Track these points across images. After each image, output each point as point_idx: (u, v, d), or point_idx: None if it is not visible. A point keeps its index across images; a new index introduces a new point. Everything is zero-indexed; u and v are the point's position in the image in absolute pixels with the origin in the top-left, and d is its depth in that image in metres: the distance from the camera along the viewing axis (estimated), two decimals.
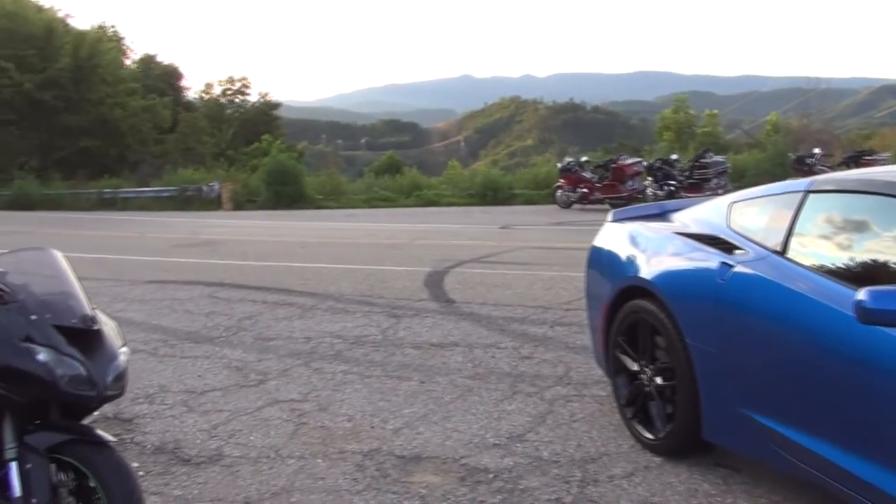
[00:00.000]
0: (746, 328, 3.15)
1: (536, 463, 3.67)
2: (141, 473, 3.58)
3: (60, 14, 39.01)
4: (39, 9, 37.80)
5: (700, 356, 3.35)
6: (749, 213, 3.51)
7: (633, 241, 4.07)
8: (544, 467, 3.61)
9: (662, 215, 4.32)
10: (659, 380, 3.69)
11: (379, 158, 50.60)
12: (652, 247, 3.89)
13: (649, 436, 3.72)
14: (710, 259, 3.40)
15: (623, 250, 4.11)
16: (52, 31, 36.11)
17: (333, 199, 25.22)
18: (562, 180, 20.27)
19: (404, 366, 5.38)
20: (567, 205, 19.92)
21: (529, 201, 22.66)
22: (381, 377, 5.12)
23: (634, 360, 3.88)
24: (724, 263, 3.30)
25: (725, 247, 3.42)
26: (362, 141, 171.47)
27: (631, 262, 3.98)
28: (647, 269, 3.78)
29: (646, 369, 3.79)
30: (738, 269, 3.21)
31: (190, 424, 4.33)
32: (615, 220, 4.43)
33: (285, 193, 24.49)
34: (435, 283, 8.60)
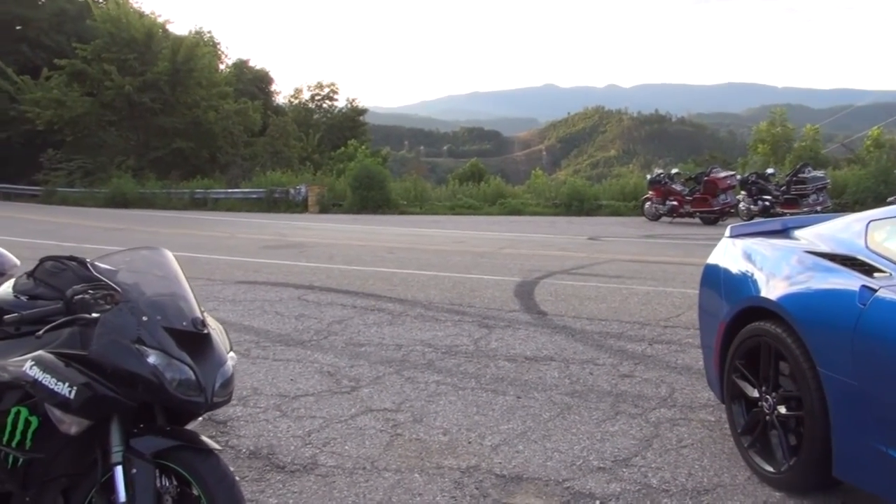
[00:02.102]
0: (889, 358, 2.87)
1: (645, 491, 3.45)
2: (238, 480, 3.51)
3: (160, 20, 40.40)
4: (141, 14, 39.17)
5: (833, 386, 3.08)
6: (893, 233, 3.22)
7: (755, 258, 3.81)
8: (654, 496, 3.40)
9: (785, 232, 4.04)
10: (782, 409, 3.42)
11: (461, 166, 50.69)
12: (777, 265, 3.63)
13: (769, 468, 3.46)
14: (848, 281, 3.12)
15: (743, 268, 3.85)
16: (152, 36, 37.40)
17: (417, 204, 25.28)
18: (651, 192, 19.81)
19: (499, 379, 5.21)
20: (655, 217, 19.46)
21: (615, 213, 22.23)
22: (476, 390, 4.97)
23: (754, 386, 3.62)
24: (865, 287, 3.02)
25: (865, 268, 3.14)
26: (444, 148, 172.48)
27: (752, 281, 3.72)
28: (772, 290, 3.52)
29: (767, 397, 3.52)
30: (882, 293, 2.93)
31: (284, 430, 4.27)
32: (733, 236, 4.16)
33: (370, 198, 24.67)
34: (525, 293, 8.41)
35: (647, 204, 19.81)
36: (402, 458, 3.86)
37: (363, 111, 52.02)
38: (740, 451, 3.71)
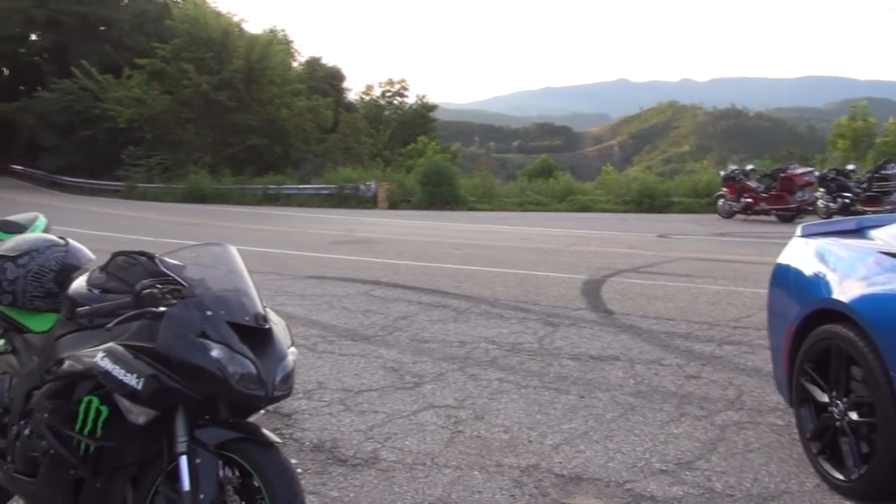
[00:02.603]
0: None
1: (708, 495, 3.39)
2: (299, 471, 3.57)
3: (236, 19, 41.31)
4: (218, 14, 40.11)
5: None
6: None
7: (827, 259, 3.69)
8: (718, 501, 3.33)
9: (859, 231, 3.91)
10: (853, 415, 3.31)
11: (531, 162, 50.45)
12: (851, 267, 3.51)
13: (839, 476, 3.36)
14: None
15: (815, 269, 3.74)
16: (228, 35, 38.25)
17: (486, 201, 25.26)
18: (725, 189, 19.35)
19: (562, 378, 5.18)
20: (729, 215, 19.01)
21: (688, 210, 21.79)
22: (539, 388, 4.95)
23: (824, 390, 3.52)
24: None
25: None
26: (514, 144, 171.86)
27: (824, 282, 3.61)
28: (845, 292, 3.41)
29: (837, 402, 3.42)
30: None
31: (347, 424, 4.33)
32: (805, 235, 4.05)
33: (439, 194, 24.76)
34: (592, 291, 8.33)
35: (721, 201, 19.35)
36: (462, 454, 3.87)
37: (433, 107, 52.18)
38: (809, 458, 3.61)
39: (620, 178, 29.26)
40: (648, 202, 22.61)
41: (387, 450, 3.94)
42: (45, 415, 2.51)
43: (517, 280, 9.14)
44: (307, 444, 4.04)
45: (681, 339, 6.16)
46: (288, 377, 2.42)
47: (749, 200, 18.53)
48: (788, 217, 17.58)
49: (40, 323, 2.87)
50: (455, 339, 6.28)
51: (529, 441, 4.05)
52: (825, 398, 3.51)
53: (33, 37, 50.55)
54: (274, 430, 3.43)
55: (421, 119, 49.46)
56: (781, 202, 17.78)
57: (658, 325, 6.68)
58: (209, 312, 2.32)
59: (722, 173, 20.57)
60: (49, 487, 2.59)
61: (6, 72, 55.66)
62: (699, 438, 4.04)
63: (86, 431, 2.42)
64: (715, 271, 9.62)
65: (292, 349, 2.51)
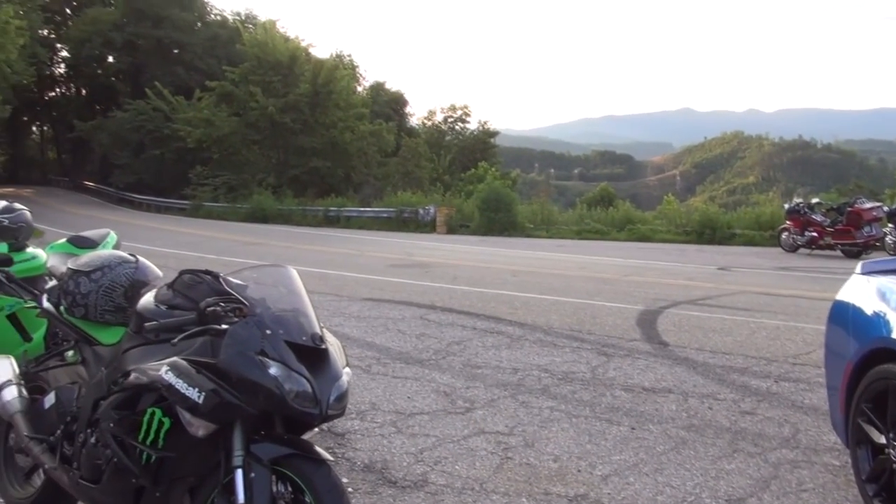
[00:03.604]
0: None
1: None
2: (350, 490, 3.64)
3: (303, 44, 42.23)
4: (286, 39, 41.10)
5: None
6: None
7: (888, 297, 3.62)
8: None
9: None
10: None
11: (591, 190, 50.11)
12: None
13: None
14: None
15: (875, 307, 3.68)
16: (296, 59, 39.16)
17: (544, 228, 25.22)
18: (789, 222, 18.96)
19: (614, 409, 5.16)
20: (793, 248, 18.60)
21: (750, 242, 21.38)
22: (590, 418, 4.94)
23: (881, 431, 3.45)
24: None
25: None
26: (575, 171, 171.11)
27: (884, 321, 3.54)
28: None
29: (895, 443, 3.35)
30: None
31: (398, 446, 4.39)
32: (865, 273, 3.98)
33: (497, 220, 24.81)
34: (648, 322, 8.27)
35: (785, 234, 18.96)
36: (510, 481, 3.89)
37: (494, 133, 52.36)
38: (864, 500, 3.54)
39: (681, 208, 28.89)
40: (709, 233, 22.27)
41: (436, 473, 3.98)
42: (111, 424, 2.63)
43: (572, 308, 9.12)
44: (359, 463, 4.11)
45: (737, 374, 6.08)
46: (342, 397, 2.48)
47: (814, 234, 18.12)
48: (855, 253, 17.13)
49: (109, 336, 3.00)
50: (508, 365, 6.31)
51: (579, 471, 4.05)
52: (882, 439, 3.43)
53: (111, 59, 52.45)
54: (327, 449, 3.51)
55: (482, 145, 49.67)
56: (848, 237, 17.33)
57: (714, 358, 6.60)
58: (268, 331, 2.40)
59: (786, 206, 20.17)
60: (111, 494, 2.69)
61: (84, 92, 57.89)
62: (752, 475, 3.99)
63: (148, 442, 2.52)
64: (775, 306, 9.44)
65: (347, 369, 2.57)
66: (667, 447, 4.41)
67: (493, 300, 9.71)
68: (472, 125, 51.36)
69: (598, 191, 43.42)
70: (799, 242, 18.50)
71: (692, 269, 14.29)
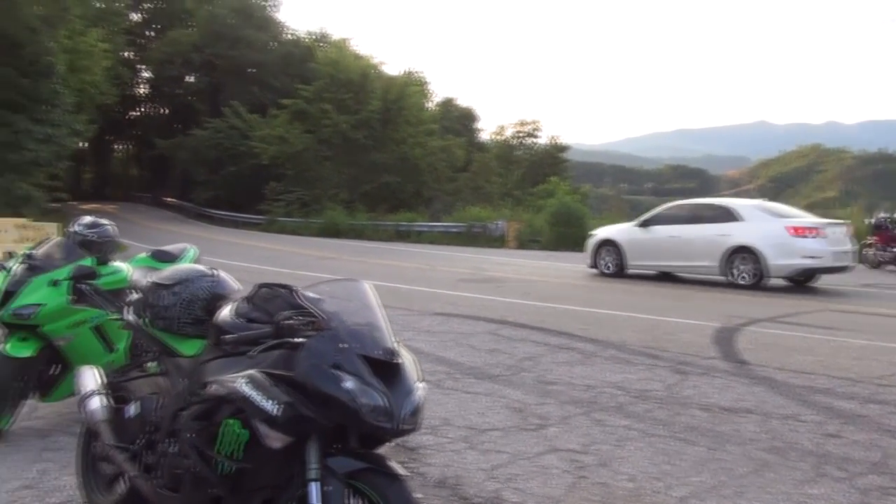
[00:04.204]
0: None
1: None
2: None
3: (375, 61, 42.90)
4: (357, 57, 41.80)
5: None
6: None
7: None
8: None
9: None
10: None
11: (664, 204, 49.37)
12: None
13: None
14: None
15: None
16: (367, 76, 39.80)
17: None
18: (873, 238, 18.32)
19: (691, 428, 5.02)
20: (877, 265, 17.96)
21: None
22: (666, 438, 4.82)
23: None
24: None
25: None
26: (647, 186, 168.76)
27: None
28: None
29: None
30: None
31: (470, 461, 4.35)
32: None
33: (568, 235, 24.63)
34: (725, 340, 8.05)
35: (869, 250, 18.33)
36: (584, 500, 3.82)
37: (565, 148, 52.14)
38: None
39: None
40: None
41: (509, 490, 3.93)
42: (191, 435, 2.67)
43: (647, 325, 8.95)
44: (431, 479, 4.09)
45: (820, 395, 5.85)
46: (416, 411, 2.47)
47: None
48: None
49: (189, 348, 3.06)
50: (581, 382, 6.21)
51: (655, 492, 3.95)
52: None
53: (190, 79, 54.20)
54: (400, 463, 3.49)
55: (552, 159, 49.48)
56: None
57: (796, 378, 6.37)
58: (343, 345, 2.41)
59: (870, 221, 19.49)
60: (190, 503, 2.74)
61: (165, 111, 59.93)
62: (838, 501, 3.82)
63: (226, 453, 2.55)
64: (859, 324, 9.09)
65: (421, 384, 2.56)
66: (747, 469, 4.26)
67: (565, 316, 9.61)
68: (542, 140, 51.26)
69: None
70: (883, 258, 17.89)
71: (771, 284, 13.88)
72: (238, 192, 42.40)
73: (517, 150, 50.63)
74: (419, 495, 3.75)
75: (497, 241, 26.27)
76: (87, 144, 49.95)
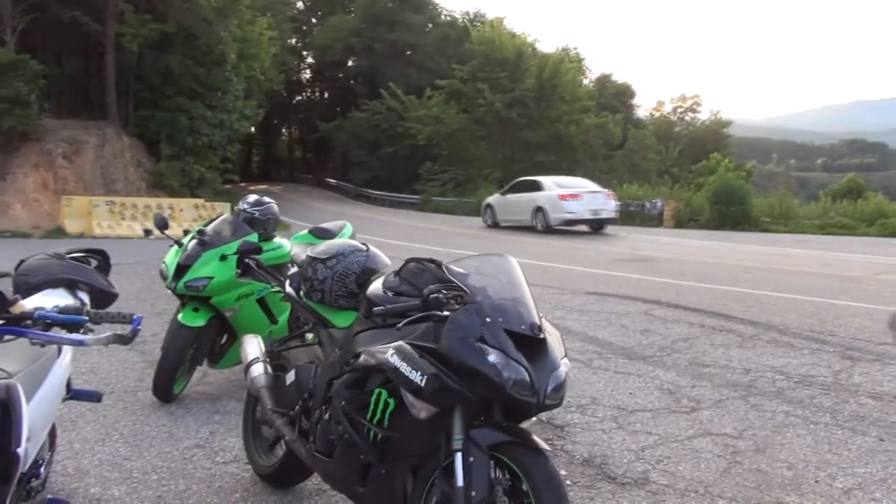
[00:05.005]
0: None
1: None
2: (567, 482, 3.62)
3: (530, 39, 42.60)
4: (512, 35, 41.67)
5: None
6: None
7: None
8: None
9: None
10: None
11: (837, 181, 46.30)
12: None
13: None
14: None
15: None
16: (522, 54, 39.62)
17: (782, 222, 23.65)
18: None
19: (859, 417, 4.73)
20: None
21: None
22: (830, 426, 4.56)
23: None
24: None
25: None
26: (818, 162, 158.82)
27: None
28: None
29: None
30: None
31: (618, 442, 4.30)
32: None
33: (730, 214, 23.62)
34: None
35: None
36: (738, 486, 3.68)
37: (727, 123, 49.98)
38: None
39: None
40: None
41: (658, 472, 3.86)
42: (342, 402, 2.79)
43: (813, 308, 8.46)
44: (577, 457, 4.08)
45: None
46: (560, 387, 2.46)
47: None
48: None
49: (342, 319, 3.19)
50: (738, 365, 5.98)
51: (816, 481, 3.75)
52: None
53: (350, 62, 55.99)
54: (545, 440, 3.50)
55: (714, 135, 47.58)
56: None
57: None
58: (488, 319, 2.43)
59: None
60: (342, 468, 2.86)
61: (326, 94, 62.29)
62: None
63: (375, 420, 2.64)
64: None
65: (565, 360, 2.55)
66: None
67: (723, 297, 9.24)
68: (704, 115, 49.33)
69: (844, 182, 39.99)
70: None
71: None
72: (395, 173, 43.49)
73: (676, 126, 49.02)
74: (564, 472, 3.76)
75: (654, 220, 25.58)
76: (255, 129, 52.70)
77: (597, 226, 21.20)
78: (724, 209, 23.82)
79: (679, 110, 49.87)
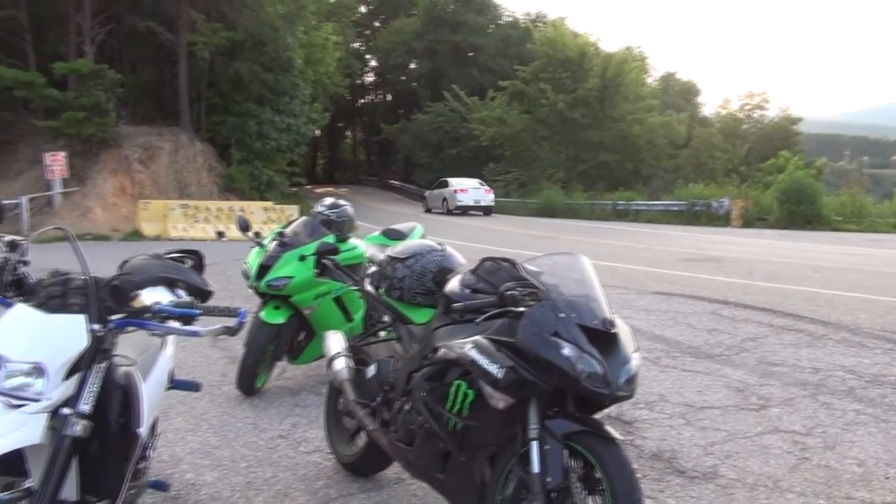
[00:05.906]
0: None
1: None
2: (638, 476, 3.71)
3: (592, 38, 42.31)
4: (575, 35, 41.48)
5: None
6: None
7: None
8: None
9: None
10: None
11: None
12: None
13: None
14: None
15: None
16: (584, 54, 39.37)
17: (854, 221, 23.11)
18: None
19: None
20: None
21: None
22: None
23: None
24: None
25: None
26: (893, 158, 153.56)
27: None
28: None
29: None
30: None
31: (686, 437, 4.38)
32: None
33: (799, 212, 23.19)
34: None
35: None
36: (807, 482, 3.74)
37: (797, 120, 48.70)
38: None
39: None
40: None
41: (727, 467, 3.93)
42: (423, 394, 2.96)
43: (886, 308, 8.34)
44: (646, 451, 4.18)
45: None
46: (631, 379, 2.58)
47: None
48: None
49: (421, 316, 3.36)
50: (807, 364, 5.97)
51: (887, 478, 3.78)
52: None
53: (413, 65, 56.45)
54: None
55: (782, 133, 46.43)
56: None
57: None
58: (562, 314, 2.57)
59: None
60: (422, 456, 3.03)
61: (390, 97, 62.93)
62: None
63: (454, 411, 2.80)
64: None
65: (636, 354, 2.66)
66: None
67: (792, 296, 9.17)
68: (772, 112, 48.25)
69: None
70: None
71: None
72: (458, 174, 43.68)
73: (744, 123, 48.02)
74: (634, 466, 3.85)
75: (721, 220, 25.22)
76: (320, 132, 53.52)
77: (484, 211, 30.97)
78: (793, 208, 23.39)
79: (746, 108, 48.80)
